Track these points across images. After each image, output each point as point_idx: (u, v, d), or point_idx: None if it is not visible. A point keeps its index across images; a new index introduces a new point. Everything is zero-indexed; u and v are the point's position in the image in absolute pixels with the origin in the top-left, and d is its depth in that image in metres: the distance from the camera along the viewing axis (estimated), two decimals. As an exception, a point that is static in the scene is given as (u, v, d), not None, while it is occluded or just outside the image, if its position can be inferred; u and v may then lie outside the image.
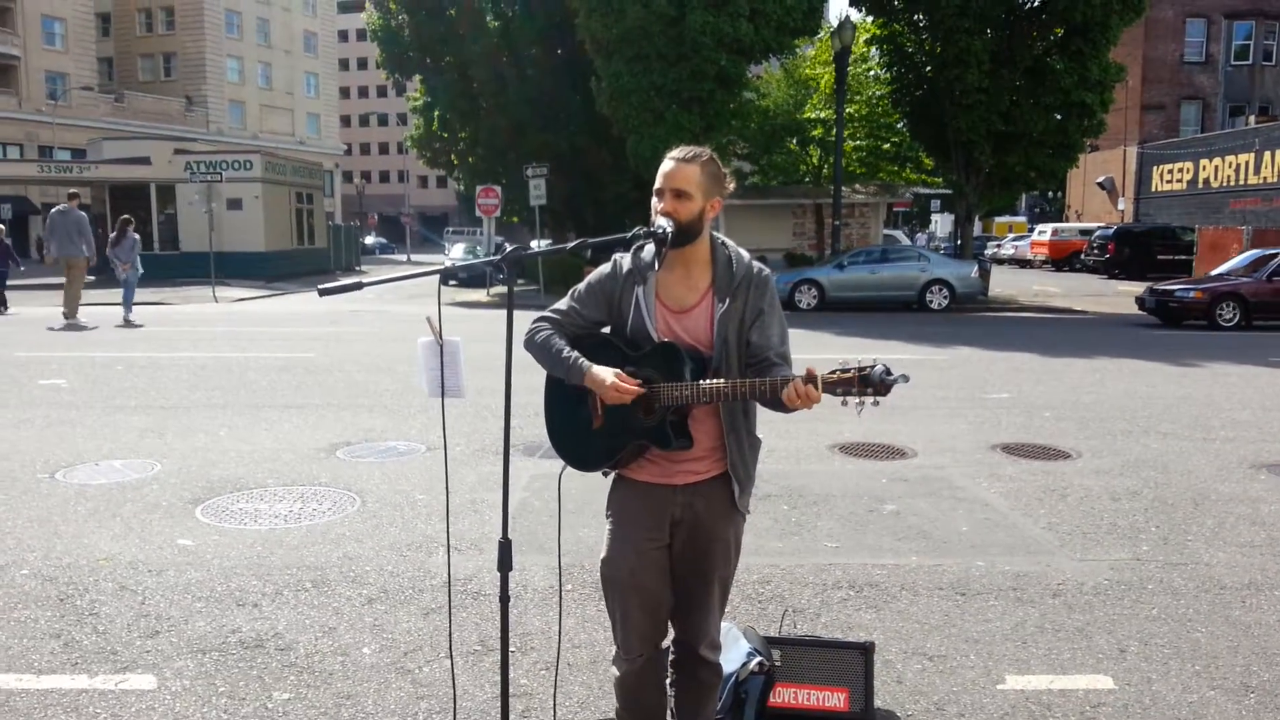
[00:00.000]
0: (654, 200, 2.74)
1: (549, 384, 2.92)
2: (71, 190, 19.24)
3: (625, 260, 2.84)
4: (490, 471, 6.86)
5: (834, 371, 2.54)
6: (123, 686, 3.72)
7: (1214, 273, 20.41)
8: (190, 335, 16.09)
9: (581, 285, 2.91)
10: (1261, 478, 6.97)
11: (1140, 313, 19.73)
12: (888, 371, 2.51)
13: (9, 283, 20.34)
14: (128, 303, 17.78)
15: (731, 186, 2.86)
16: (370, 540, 5.46)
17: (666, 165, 2.75)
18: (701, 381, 2.66)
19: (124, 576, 4.85)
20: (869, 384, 2.50)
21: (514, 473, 6.57)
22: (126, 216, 18.79)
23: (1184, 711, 3.59)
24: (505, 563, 2.83)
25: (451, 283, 29.25)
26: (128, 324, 17.27)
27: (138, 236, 18.66)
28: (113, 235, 18.11)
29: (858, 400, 2.53)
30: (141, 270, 18.47)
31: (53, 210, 18.05)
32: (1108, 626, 4.33)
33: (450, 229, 64.08)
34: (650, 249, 2.76)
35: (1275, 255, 19.20)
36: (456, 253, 38.47)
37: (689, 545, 2.86)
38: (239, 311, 21.67)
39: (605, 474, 2.93)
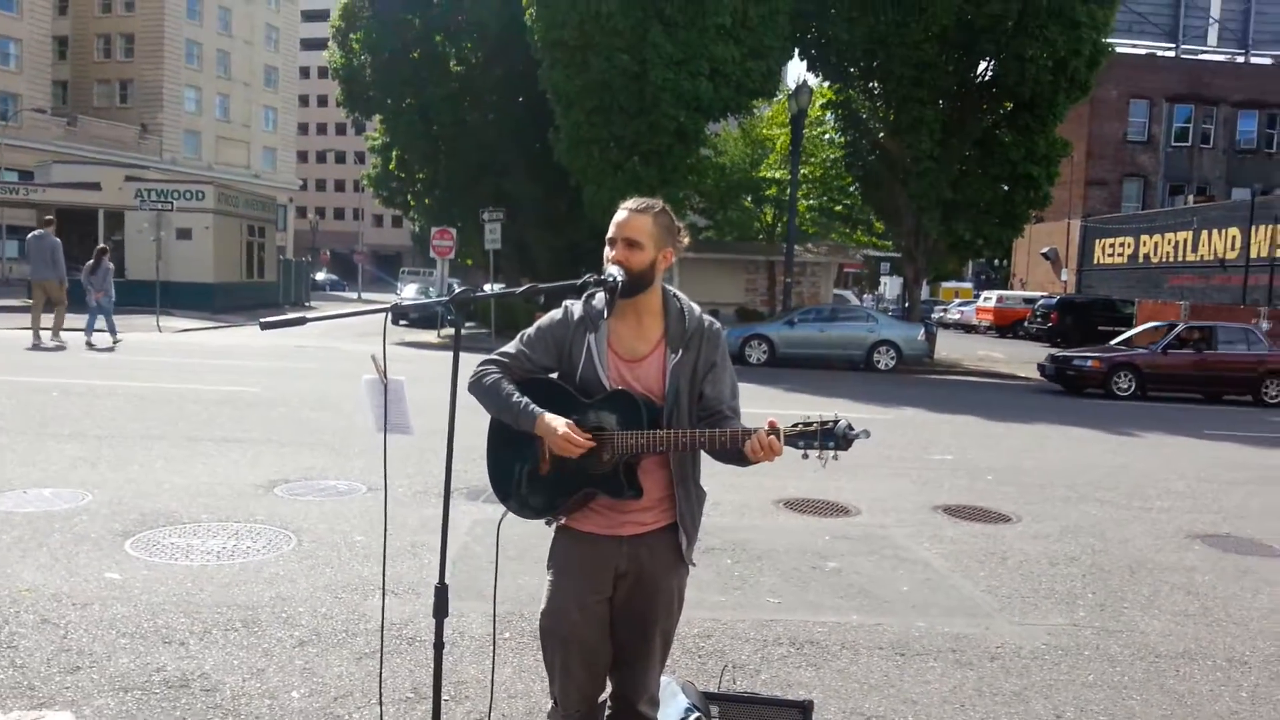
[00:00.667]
0: (606, 249, 2.75)
1: (493, 427, 2.88)
2: (47, 216, 19.81)
3: (576, 307, 2.83)
4: (432, 514, 6.74)
5: (796, 425, 2.58)
6: (37, 725, 3.57)
7: (1113, 343, 20.80)
8: (130, 364, 15.74)
9: (531, 329, 2.88)
10: (1195, 548, 7.09)
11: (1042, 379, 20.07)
12: (850, 427, 2.57)
13: None
14: (110, 328, 18.79)
15: (686, 240, 2.87)
16: (304, 580, 5.33)
17: (620, 215, 2.76)
18: (660, 431, 2.65)
19: (46, 609, 4.68)
20: (831, 438, 2.56)
21: (456, 517, 6.48)
22: (103, 245, 20.01)
23: (1117, 779, 3.60)
24: (441, 609, 2.78)
25: (403, 322, 29.16)
26: (113, 345, 18.27)
27: (112, 265, 19.77)
28: (89, 263, 19.05)
29: (818, 454, 2.56)
30: (114, 296, 19.35)
31: (29, 235, 18.86)
32: (1045, 691, 4.35)
33: (406, 269, 63.76)
34: (601, 297, 2.76)
35: (1172, 329, 19.48)
36: (409, 292, 38.19)
37: (633, 597, 2.83)
38: (183, 342, 21.27)
39: (549, 523, 2.89)
